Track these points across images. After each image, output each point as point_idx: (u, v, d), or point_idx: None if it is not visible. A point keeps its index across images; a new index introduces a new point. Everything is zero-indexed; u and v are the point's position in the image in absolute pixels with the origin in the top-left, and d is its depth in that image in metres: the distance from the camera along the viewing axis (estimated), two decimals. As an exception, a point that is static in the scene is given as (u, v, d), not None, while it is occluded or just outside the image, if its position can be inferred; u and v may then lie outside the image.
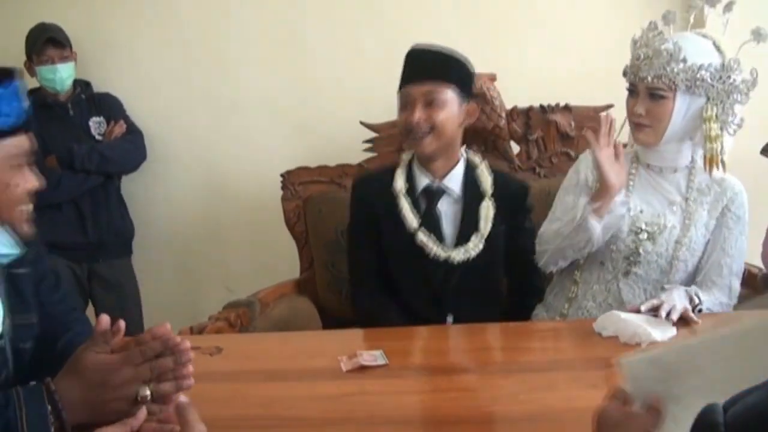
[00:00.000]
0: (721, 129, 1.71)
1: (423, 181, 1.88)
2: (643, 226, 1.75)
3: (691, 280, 1.80)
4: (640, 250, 1.76)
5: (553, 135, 2.40)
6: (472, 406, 1.25)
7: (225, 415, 1.22)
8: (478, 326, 1.65)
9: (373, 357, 1.39)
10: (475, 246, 1.83)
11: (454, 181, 1.88)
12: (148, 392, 1.03)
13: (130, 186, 2.84)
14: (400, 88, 1.87)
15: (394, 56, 2.33)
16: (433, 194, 1.88)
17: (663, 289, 1.74)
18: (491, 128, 2.36)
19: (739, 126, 1.73)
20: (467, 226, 1.85)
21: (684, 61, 1.67)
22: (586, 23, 2.63)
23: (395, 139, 2.35)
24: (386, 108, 2.49)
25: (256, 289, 2.18)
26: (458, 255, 1.82)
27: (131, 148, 2.74)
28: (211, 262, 2.93)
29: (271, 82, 2.79)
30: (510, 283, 2.02)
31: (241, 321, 1.94)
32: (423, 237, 1.83)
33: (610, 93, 2.14)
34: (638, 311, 1.57)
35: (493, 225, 1.84)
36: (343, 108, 2.70)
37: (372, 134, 2.43)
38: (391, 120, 2.43)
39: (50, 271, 1.34)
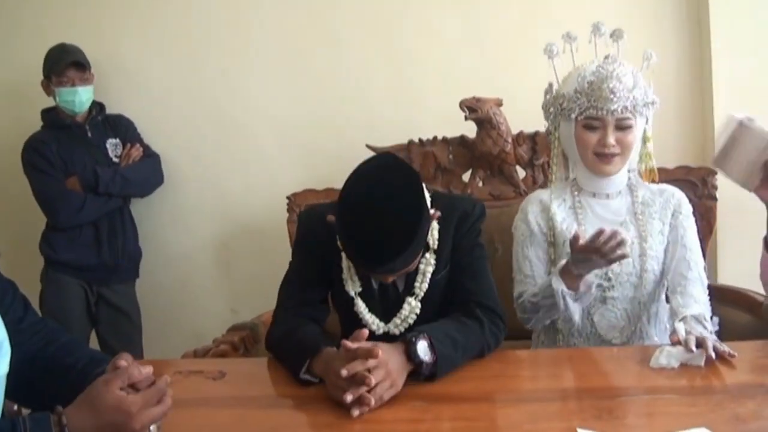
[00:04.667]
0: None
1: None
2: None
3: (660, 285, 1.79)
4: (610, 275, 1.76)
5: (559, 160, 2.40)
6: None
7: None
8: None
9: (376, 384, 1.39)
10: (411, 312, 1.61)
11: None
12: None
13: (137, 207, 2.85)
14: (350, 258, 1.55)
15: (402, 80, 2.35)
16: None
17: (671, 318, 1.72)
18: (497, 153, 2.37)
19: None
20: (408, 288, 1.62)
21: (639, 86, 1.74)
22: (592, 49, 2.64)
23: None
24: (393, 131, 2.52)
25: (261, 311, 2.17)
26: (395, 327, 1.61)
27: (150, 172, 2.76)
28: (216, 283, 2.94)
29: (278, 105, 2.81)
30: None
31: (245, 344, 1.94)
32: (360, 306, 1.63)
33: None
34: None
35: (433, 274, 1.60)
36: (349, 131, 2.72)
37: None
38: (398, 143, 2.45)
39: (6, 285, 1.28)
